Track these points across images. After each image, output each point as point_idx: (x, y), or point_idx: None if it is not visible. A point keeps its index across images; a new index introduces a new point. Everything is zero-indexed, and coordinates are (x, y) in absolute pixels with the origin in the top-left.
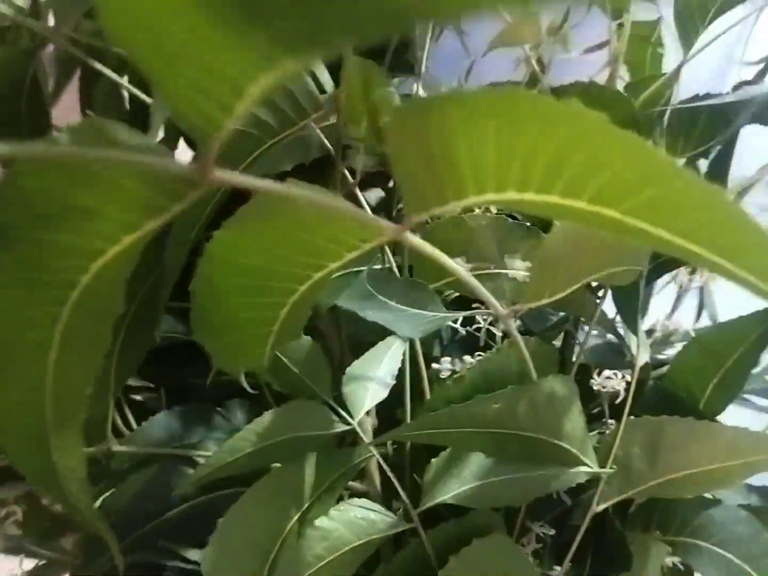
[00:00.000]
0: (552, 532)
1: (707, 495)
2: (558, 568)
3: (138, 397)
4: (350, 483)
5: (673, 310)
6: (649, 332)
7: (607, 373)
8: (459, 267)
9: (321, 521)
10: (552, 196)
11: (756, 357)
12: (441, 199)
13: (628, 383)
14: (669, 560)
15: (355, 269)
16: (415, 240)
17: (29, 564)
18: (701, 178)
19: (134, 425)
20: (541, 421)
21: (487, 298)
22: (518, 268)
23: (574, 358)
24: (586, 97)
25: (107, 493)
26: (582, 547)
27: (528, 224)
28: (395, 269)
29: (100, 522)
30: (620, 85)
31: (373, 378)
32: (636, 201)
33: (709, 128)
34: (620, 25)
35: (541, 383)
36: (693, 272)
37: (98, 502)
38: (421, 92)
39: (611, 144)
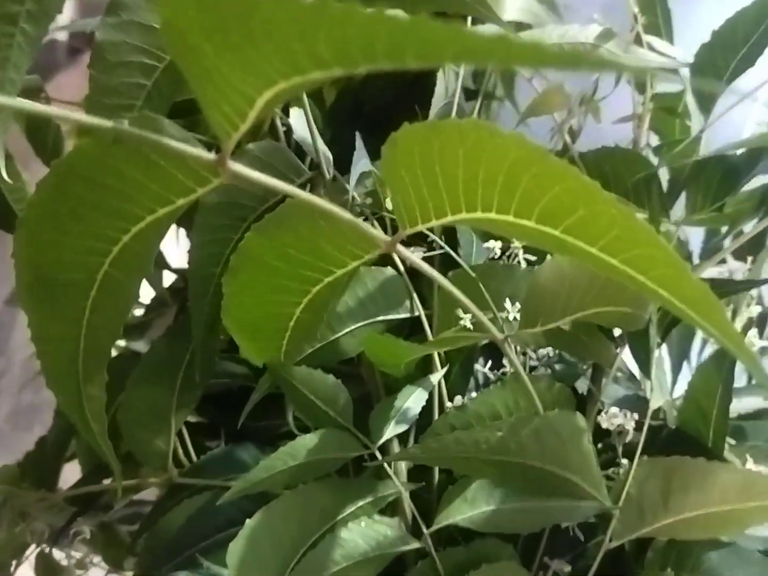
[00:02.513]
0: (568, 568)
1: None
2: None
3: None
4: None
5: None
6: None
7: (613, 410)
8: (452, 286)
9: (339, 530)
10: (508, 216)
11: (728, 395)
12: (426, 217)
13: (637, 422)
14: None
15: (387, 318)
16: (405, 252)
17: None
18: (617, 199)
19: (194, 458)
20: (546, 453)
21: (483, 321)
22: None
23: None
24: (612, 159)
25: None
26: None
27: None
28: (422, 315)
29: (107, 445)
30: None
31: (397, 413)
32: (571, 220)
33: (722, 184)
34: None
35: (547, 416)
36: None
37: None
38: None
39: (550, 169)
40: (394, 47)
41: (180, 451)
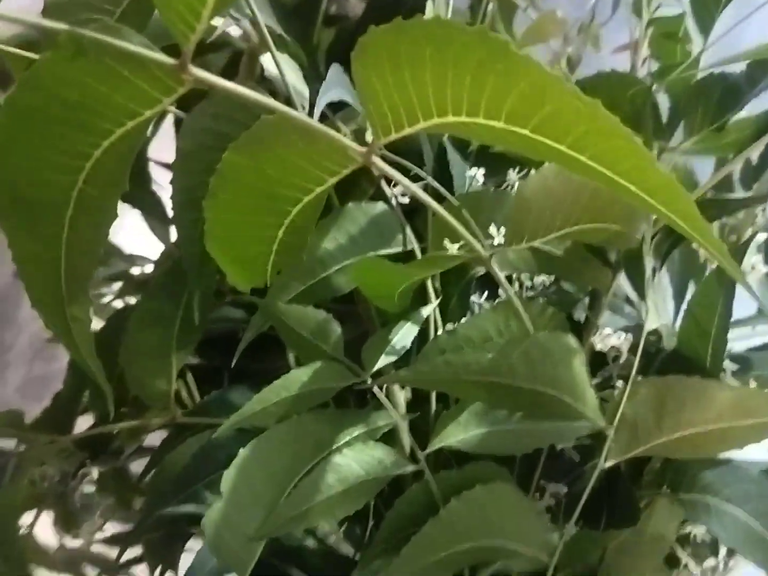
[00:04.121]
0: (564, 490)
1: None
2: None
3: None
4: None
5: None
6: None
7: (607, 330)
8: (433, 202)
9: (334, 456)
10: (478, 118)
11: (728, 311)
12: (398, 125)
13: (634, 346)
14: (694, 531)
15: (379, 253)
16: (382, 164)
17: None
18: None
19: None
20: (537, 374)
21: (467, 238)
22: None
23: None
24: (608, 84)
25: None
26: (595, 505)
27: None
28: (416, 248)
29: (96, 365)
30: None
31: (388, 344)
32: (538, 117)
33: (722, 102)
34: (649, 23)
35: (536, 336)
36: None
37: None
38: None
39: (515, 64)
40: None
41: (185, 394)
